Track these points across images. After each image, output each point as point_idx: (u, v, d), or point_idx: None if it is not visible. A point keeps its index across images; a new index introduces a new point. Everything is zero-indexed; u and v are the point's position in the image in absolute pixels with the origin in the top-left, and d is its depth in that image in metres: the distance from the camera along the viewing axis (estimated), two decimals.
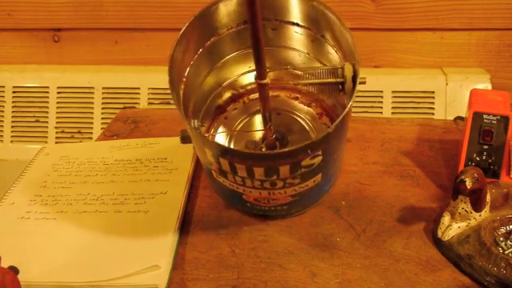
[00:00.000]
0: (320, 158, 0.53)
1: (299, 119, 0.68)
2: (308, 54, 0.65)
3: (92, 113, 1.22)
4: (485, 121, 0.63)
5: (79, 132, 1.23)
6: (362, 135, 0.76)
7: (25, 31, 1.27)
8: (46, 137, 1.23)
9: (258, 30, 0.47)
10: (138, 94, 1.20)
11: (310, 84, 0.59)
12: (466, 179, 0.52)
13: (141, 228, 0.59)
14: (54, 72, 1.24)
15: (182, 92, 0.59)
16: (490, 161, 0.63)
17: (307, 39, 0.64)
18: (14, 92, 1.24)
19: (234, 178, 0.55)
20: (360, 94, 1.12)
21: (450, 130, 0.77)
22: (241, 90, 0.69)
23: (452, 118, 0.81)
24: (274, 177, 0.53)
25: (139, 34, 1.23)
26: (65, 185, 0.68)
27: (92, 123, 1.22)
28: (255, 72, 0.52)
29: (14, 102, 1.24)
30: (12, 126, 1.24)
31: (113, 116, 0.89)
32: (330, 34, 0.61)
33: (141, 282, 0.51)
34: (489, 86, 1.11)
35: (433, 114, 1.12)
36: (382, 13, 1.14)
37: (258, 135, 0.66)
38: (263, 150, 0.64)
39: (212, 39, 0.63)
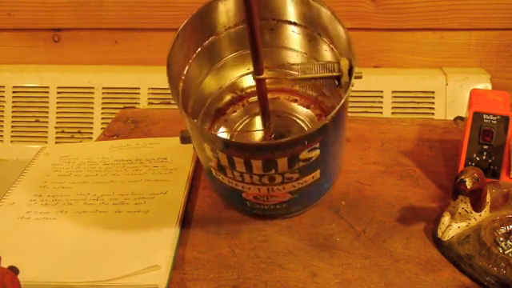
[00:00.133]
0: (318, 151, 0.53)
1: (298, 121, 0.68)
2: (305, 53, 0.65)
3: (92, 113, 1.22)
4: (485, 121, 0.63)
5: (79, 132, 1.23)
6: (361, 135, 0.76)
7: (25, 31, 1.27)
8: (46, 137, 1.24)
9: (254, 22, 0.47)
10: (138, 94, 1.20)
11: (307, 79, 0.60)
12: (466, 179, 0.52)
13: (141, 228, 0.59)
14: (54, 72, 1.24)
15: (180, 89, 0.59)
16: (490, 161, 0.63)
17: (304, 39, 0.64)
18: (13, 92, 1.24)
19: (233, 173, 0.55)
20: (360, 93, 1.12)
21: (449, 130, 0.77)
22: (240, 93, 0.69)
23: (452, 118, 0.81)
24: (273, 171, 0.53)
25: (139, 34, 1.23)
26: (65, 185, 0.68)
27: (92, 123, 1.22)
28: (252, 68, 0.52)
29: (13, 102, 1.24)
30: (12, 126, 1.24)
31: (113, 116, 0.89)
32: (326, 31, 0.61)
33: (141, 281, 0.51)
34: (489, 86, 1.11)
35: (433, 114, 1.12)
36: (382, 13, 1.14)
37: (258, 136, 0.66)
38: None
39: (210, 39, 0.63)
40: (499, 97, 0.66)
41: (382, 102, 1.13)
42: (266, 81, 0.59)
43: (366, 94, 1.13)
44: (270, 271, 0.54)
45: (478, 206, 0.55)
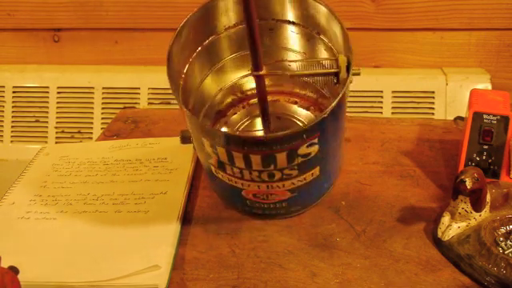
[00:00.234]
0: (316, 147, 0.53)
1: (299, 122, 0.68)
2: (304, 53, 0.65)
3: (92, 113, 1.22)
4: (485, 121, 0.63)
5: (79, 132, 1.23)
6: (361, 135, 0.76)
7: (25, 31, 1.27)
8: (46, 137, 1.24)
9: (253, 16, 0.47)
10: (138, 94, 1.20)
11: (306, 75, 0.60)
12: (466, 179, 0.52)
13: (141, 228, 0.59)
14: (54, 72, 1.24)
15: (181, 87, 0.59)
16: (490, 161, 0.63)
17: (303, 38, 0.64)
18: (13, 92, 1.24)
19: (233, 170, 0.55)
20: (360, 93, 1.12)
21: (450, 130, 0.77)
22: (241, 95, 0.69)
23: (452, 118, 0.81)
24: (272, 167, 0.53)
25: (139, 34, 1.23)
26: (65, 185, 0.68)
27: (92, 123, 1.22)
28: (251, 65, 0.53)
29: (13, 102, 1.24)
30: (12, 126, 1.24)
31: (113, 116, 0.89)
32: (324, 30, 0.61)
33: (141, 281, 0.51)
34: (489, 86, 1.11)
35: (433, 114, 1.12)
36: (382, 13, 1.14)
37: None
38: None
39: (210, 38, 0.63)
40: (499, 97, 0.66)
41: (381, 102, 1.13)
42: (266, 83, 0.60)
43: (365, 93, 1.13)
44: (270, 271, 0.54)
45: (478, 206, 0.55)
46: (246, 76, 0.67)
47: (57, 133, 1.23)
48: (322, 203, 0.63)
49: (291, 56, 0.66)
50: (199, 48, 0.62)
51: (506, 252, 0.52)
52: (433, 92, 1.12)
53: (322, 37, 0.62)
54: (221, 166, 0.56)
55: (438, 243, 0.56)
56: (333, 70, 0.58)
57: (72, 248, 0.57)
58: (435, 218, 0.60)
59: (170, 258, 0.54)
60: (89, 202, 0.64)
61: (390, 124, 0.80)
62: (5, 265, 0.47)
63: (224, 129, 0.68)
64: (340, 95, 0.52)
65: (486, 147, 0.63)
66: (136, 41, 1.24)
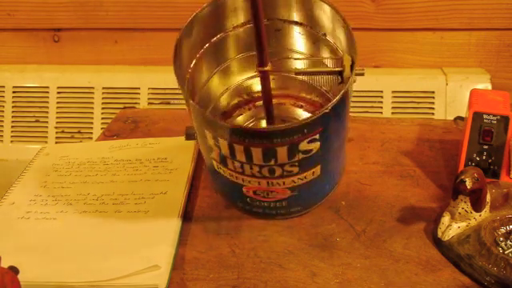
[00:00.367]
0: (318, 144, 0.53)
1: None
2: (311, 55, 0.66)
3: (92, 113, 1.22)
4: (485, 121, 0.63)
5: (79, 132, 1.23)
6: (362, 135, 0.76)
7: (25, 31, 1.27)
8: (46, 137, 1.24)
9: (259, 11, 0.47)
10: (138, 94, 1.20)
11: (311, 73, 0.61)
12: (466, 179, 0.52)
13: (141, 228, 0.59)
14: (54, 72, 1.24)
15: (187, 81, 0.60)
16: (490, 161, 0.63)
17: (309, 40, 0.65)
18: (13, 92, 1.24)
19: (234, 164, 0.55)
20: (360, 93, 1.12)
21: (450, 130, 0.77)
22: (247, 97, 0.69)
23: (452, 118, 0.81)
24: (272, 161, 0.53)
25: (139, 34, 1.23)
26: (65, 185, 0.68)
27: (92, 123, 1.22)
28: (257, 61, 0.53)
29: (13, 102, 1.24)
30: (12, 126, 1.25)
31: (113, 116, 0.89)
32: (330, 30, 0.62)
33: (141, 281, 0.51)
34: (489, 86, 1.11)
35: (433, 114, 1.12)
36: (382, 13, 1.14)
37: None
38: None
39: (219, 35, 0.63)
40: (499, 97, 0.66)
41: (382, 102, 1.13)
42: (273, 86, 0.60)
43: (366, 93, 1.13)
44: (270, 271, 0.54)
45: (478, 206, 0.55)
46: (253, 77, 0.67)
47: (57, 133, 1.23)
48: (322, 203, 0.63)
49: (297, 56, 0.66)
50: (207, 44, 0.63)
51: (506, 252, 0.52)
52: (433, 92, 1.12)
53: (328, 38, 0.63)
54: (222, 160, 0.56)
55: (437, 243, 0.56)
56: (337, 69, 0.59)
57: (72, 248, 0.57)
58: (435, 218, 0.60)
59: (169, 258, 0.54)
60: (89, 202, 0.64)
61: (390, 124, 0.80)
62: (5, 265, 0.47)
63: None
64: (342, 91, 0.52)
65: (485, 147, 0.63)
66: (136, 41, 1.24)
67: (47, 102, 1.23)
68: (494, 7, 1.11)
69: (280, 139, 0.52)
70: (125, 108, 1.00)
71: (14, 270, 0.47)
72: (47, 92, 1.23)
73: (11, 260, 0.48)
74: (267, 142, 0.52)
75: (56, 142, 1.23)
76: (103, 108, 1.21)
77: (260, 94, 0.66)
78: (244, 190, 0.58)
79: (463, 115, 0.73)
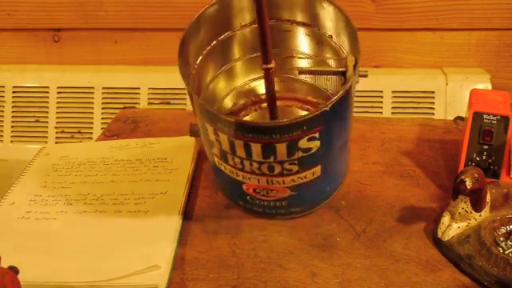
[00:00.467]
0: (318, 142, 0.53)
1: None
2: (316, 56, 0.66)
3: (92, 113, 1.22)
4: (485, 121, 0.63)
5: (79, 132, 1.23)
6: (362, 135, 0.76)
7: (25, 31, 1.27)
8: (46, 137, 1.24)
9: (263, 8, 0.47)
10: (138, 94, 1.20)
11: (315, 72, 0.62)
12: (466, 179, 0.52)
13: (141, 228, 0.59)
14: (54, 72, 1.24)
15: (191, 77, 0.60)
16: (490, 161, 0.63)
17: (313, 41, 0.65)
18: (13, 92, 1.24)
19: (234, 160, 0.55)
20: (360, 93, 1.12)
21: (450, 130, 0.77)
22: (254, 99, 0.69)
23: (452, 118, 0.81)
24: (272, 158, 0.54)
25: (139, 34, 1.23)
26: (65, 185, 0.68)
27: (92, 123, 1.22)
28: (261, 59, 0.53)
29: (13, 102, 1.24)
30: (12, 126, 1.25)
31: (113, 116, 0.89)
32: (334, 31, 0.62)
33: (141, 282, 0.51)
34: (489, 86, 1.11)
35: (433, 114, 1.12)
36: (382, 13, 1.14)
37: None
38: None
39: (226, 34, 0.63)
40: (499, 97, 0.66)
41: (381, 102, 1.13)
42: (280, 88, 0.60)
43: (366, 93, 1.13)
44: (270, 271, 0.54)
45: (478, 206, 0.55)
46: (258, 79, 0.68)
47: (57, 133, 1.24)
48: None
49: (302, 58, 0.67)
50: (214, 42, 0.63)
51: (506, 252, 0.52)
52: (433, 92, 1.12)
53: (332, 39, 0.63)
54: (223, 155, 0.56)
55: (437, 243, 0.56)
56: (340, 69, 0.60)
57: (72, 248, 0.57)
58: (435, 218, 0.60)
59: (169, 257, 0.54)
60: (89, 202, 0.64)
61: (390, 124, 0.80)
62: (5, 265, 0.47)
63: None
64: (343, 90, 0.52)
65: (485, 147, 0.63)
66: (136, 41, 1.24)
67: (47, 102, 1.23)
68: (493, 7, 1.11)
69: (279, 135, 0.52)
70: (125, 108, 1.00)
71: (14, 270, 0.47)
72: (47, 92, 1.23)
73: (11, 260, 0.47)
74: (266, 137, 0.52)
75: (56, 142, 1.23)
76: (103, 108, 1.21)
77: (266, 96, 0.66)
78: (244, 187, 0.58)
79: (463, 115, 0.73)
